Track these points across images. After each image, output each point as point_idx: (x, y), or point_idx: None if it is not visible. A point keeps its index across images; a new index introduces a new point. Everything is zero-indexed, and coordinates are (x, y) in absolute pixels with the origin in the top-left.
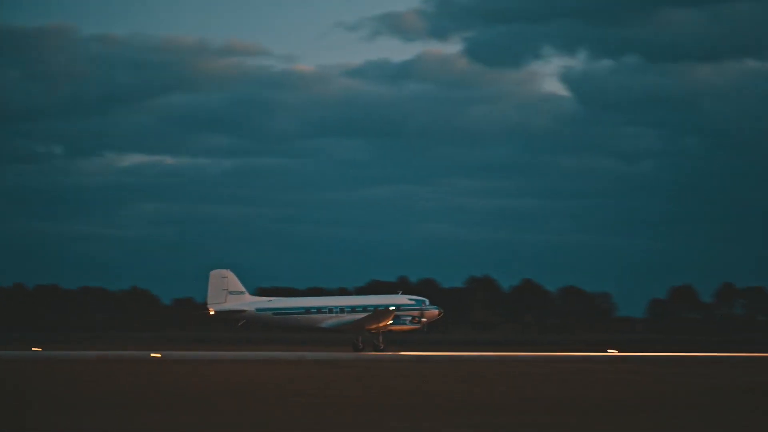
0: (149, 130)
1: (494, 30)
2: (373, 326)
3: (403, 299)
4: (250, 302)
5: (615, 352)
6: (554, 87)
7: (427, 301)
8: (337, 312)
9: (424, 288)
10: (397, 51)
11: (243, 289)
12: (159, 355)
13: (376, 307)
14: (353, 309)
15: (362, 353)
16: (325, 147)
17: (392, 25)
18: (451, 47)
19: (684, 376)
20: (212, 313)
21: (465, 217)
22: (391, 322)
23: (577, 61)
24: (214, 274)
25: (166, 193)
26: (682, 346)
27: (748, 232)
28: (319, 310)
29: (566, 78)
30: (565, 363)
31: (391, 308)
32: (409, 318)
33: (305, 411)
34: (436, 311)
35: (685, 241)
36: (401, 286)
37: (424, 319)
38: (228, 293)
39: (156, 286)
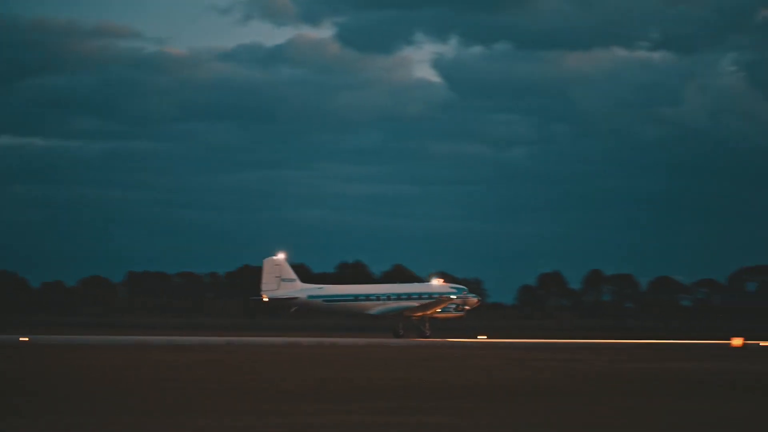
0: (19, 111)
1: (366, 15)
2: (419, 313)
3: (446, 287)
4: (301, 289)
5: (485, 338)
6: (426, 73)
7: (467, 290)
8: (384, 299)
9: (296, 273)
10: (270, 35)
11: (295, 276)
12: (27, 339)
13: (420, 294)
14: (399, 296)
15: (402, 339)
16: (197, 131)
17: (264, 8)
18: (323, 32)
19: (547, 362)
20: (266, 299)
21: (337, 202)
22: (439, 310)
23: (449, 48)
24: (268, 261)
25: (36, 176)
26: (551, 333)
27: (616, 219)
28: (367, 297)
29: (438, 64)
30: (426, 349)
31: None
32: (454, 306)
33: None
34: (476, 299)
35: (553, 227)
36: None
37: (467, 307)
38: (281, 280)
39: (24, 269)
